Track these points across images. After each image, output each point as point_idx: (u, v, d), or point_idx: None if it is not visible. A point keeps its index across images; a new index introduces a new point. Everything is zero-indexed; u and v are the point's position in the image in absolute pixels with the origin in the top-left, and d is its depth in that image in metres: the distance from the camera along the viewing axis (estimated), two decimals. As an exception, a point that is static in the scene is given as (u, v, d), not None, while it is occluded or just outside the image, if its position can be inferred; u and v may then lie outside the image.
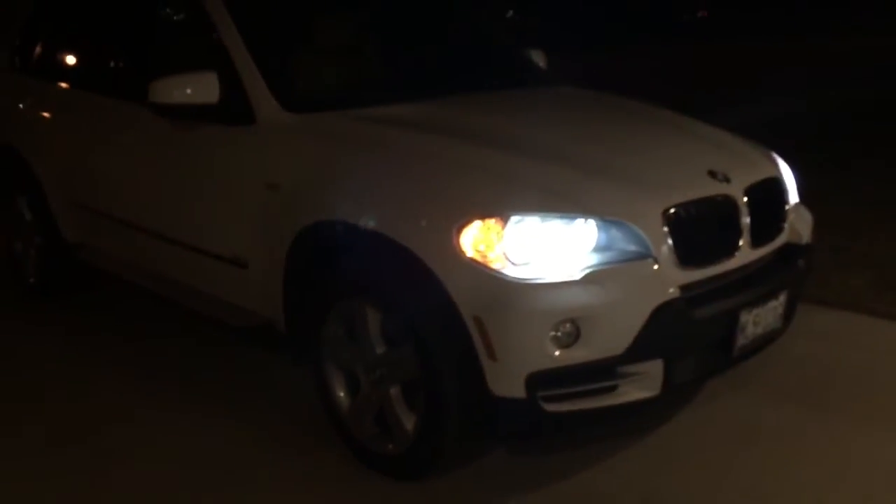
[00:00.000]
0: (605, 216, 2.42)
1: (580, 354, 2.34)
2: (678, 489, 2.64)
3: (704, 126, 3.27)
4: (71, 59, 4.25)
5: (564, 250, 2.37)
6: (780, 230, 2.87)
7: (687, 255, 2.49)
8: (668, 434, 2.94)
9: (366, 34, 3.78)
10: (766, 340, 2.79)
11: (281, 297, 2.92)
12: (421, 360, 2.46)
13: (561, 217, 2.39)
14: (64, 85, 4.16)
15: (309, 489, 2.70)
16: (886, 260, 4.64)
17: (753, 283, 2.68)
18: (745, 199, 2.68)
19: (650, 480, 2.68)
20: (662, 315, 2.39)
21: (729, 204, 2.65)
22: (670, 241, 2.46)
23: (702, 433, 2.94)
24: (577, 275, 2.34)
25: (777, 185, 2.94)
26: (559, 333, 2.30)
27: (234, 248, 3.09)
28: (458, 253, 2.35)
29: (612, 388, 2.42)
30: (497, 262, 2.33)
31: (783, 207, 2.93)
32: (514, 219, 2.35)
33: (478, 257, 2.35)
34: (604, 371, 2.39)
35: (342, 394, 2.81)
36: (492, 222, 2.35)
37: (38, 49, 4.37)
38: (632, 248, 2.44)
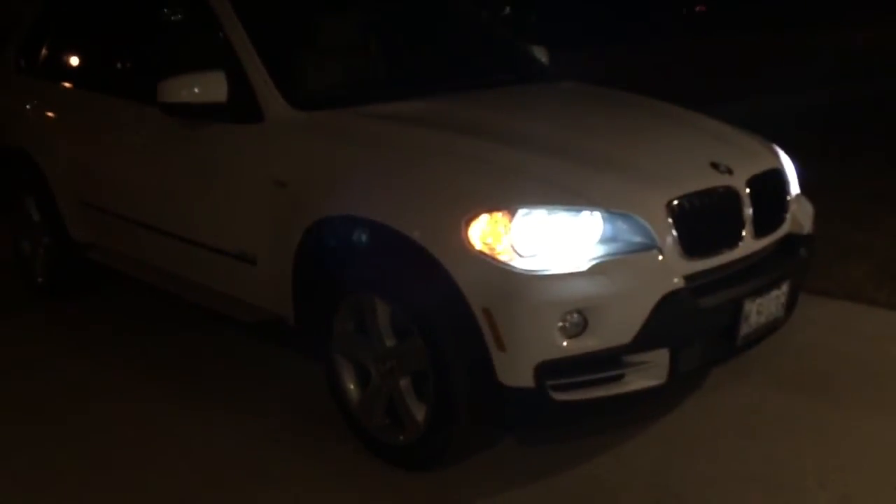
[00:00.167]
0: (610, 208, 2.47)
1: (588, 344, 2.38)
2: (685, 477, 2.68)
3: (706, 119, 3.32)
4: (78, 60, 4.29)
5: (571, 242, 2.42)
6: (782, 221, 2.92)
7: (691, 245, 2.53)
8: (674, 423, 2.98)
9: (371, 32, 3.82)
10: (770, 329, 2.83)
11: (290, 292, 2.96)
12: (431, 352, 2.50)
13: (567, 209, 2.43)
14: (71, 86, 4.20)
15: (320, 481, 2.74)
16: (886, 251, 4.68)
17: (756, 273, 2.73)
18: (748, 190, 2.73)
19: (657, 469, 2.72)
20: (668, 305, 2.43)
21: (732, 195, 2.69)
22: (675, 233, 2.51)
23: (707, 421, 2.99)
24: (583, 266, 2.38)
25: (778, 176, 2.99)
26: (567, 324, 2.35)
27: (243, 244, 3.12)
28: (466, 246, 2.39)
29: (619, 377, 2.46)
30: (505, 255, 2.37)
31: (785, 198, 2.97)
32: (521, 212, 2.40)
33: (486, 250, 2.39)
34: (611, 360, 2.43)
35: (352, 386, 2.85)
36: (499, 215, 2.39)
37: (44, 50, 4.40)
38: (637, 239, 2.48)
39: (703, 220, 2.59)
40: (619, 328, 2.40)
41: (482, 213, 2.40)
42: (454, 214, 2.43)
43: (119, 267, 3.97)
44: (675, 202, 2.54)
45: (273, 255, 3.00)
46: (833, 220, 4.56)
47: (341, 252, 2.77)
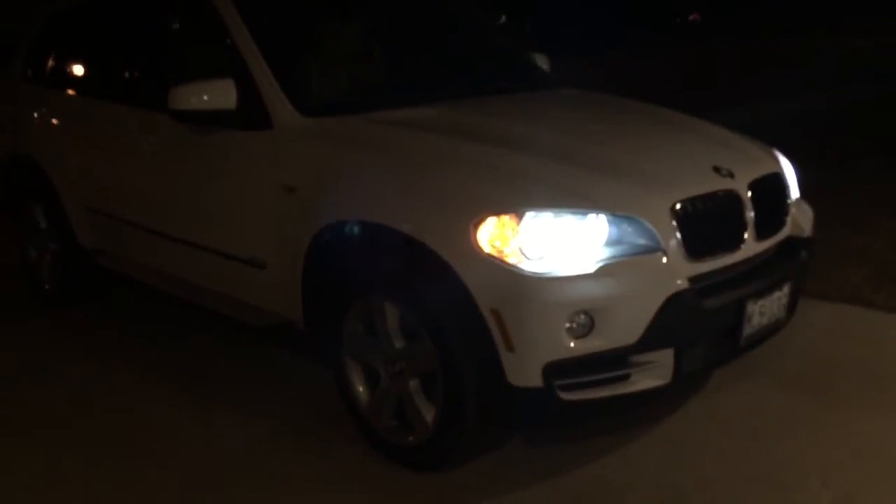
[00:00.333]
0: (615, 211, 2.52)
1: (594, 344, 2.42)
2: (690, 476, 2.72)
3: (707, 124, 3.38)
4: (85, 69, 4.33)
5: (577, 244, 2.47)
6: (782, 224, 2.97)
7: (695, 247, 2.58)
8: (678, 423, 3.02)
9: (378, 40, 3.88)
10: (772, 330, 2.88)
11: (300, 295, 3.01)
12: (440, 353, 2.55)
13: (573, 213, 2.49)
14: (79, 94, 4.25)
15: (329, 482, 2.77)
16: (884, 255, 4.74)
17: (759, 275, 2.78)
18: (749, 193, 2.78)
19: (662, 468, 2.77)
20: (672, 305, 2.48)
21: (734, 198, 2.75)
22: (678, 235, 2.56)
23: (711, 422, 3.03)
24: (590, 268, 2.43)
25: (779, 180, 3.04)
26: (574, 324, 2.39)
27: (253, 249, 3.17)
28: (475, 248, 2.44)
29: (625, 377, 2.51)
30: (513, 257, 2.42)
31: (785, 202, 3.03)
32: (528, 215, 2.44)
33: (494, 252, 2.43)
34: (617, 360, 2.48)
35: (362, 388, 2.90)
36: (507, 218, 2.44)
37: (51, 59, 4.46)
38: (642, 241, 2.53)
39: (706, 223, 2.64)
40: (625, 329, 2.44)
41: (490, 216, 2.45)
42: (463, 218, 2.47)
43: (127, 272, 4.01)
44: (679, 205, 2.59)
45: (282, 259, 3.04)
46: (832, 224, 4.61)
47: (350, 256, 2.81)
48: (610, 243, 2.50)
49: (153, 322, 4.22)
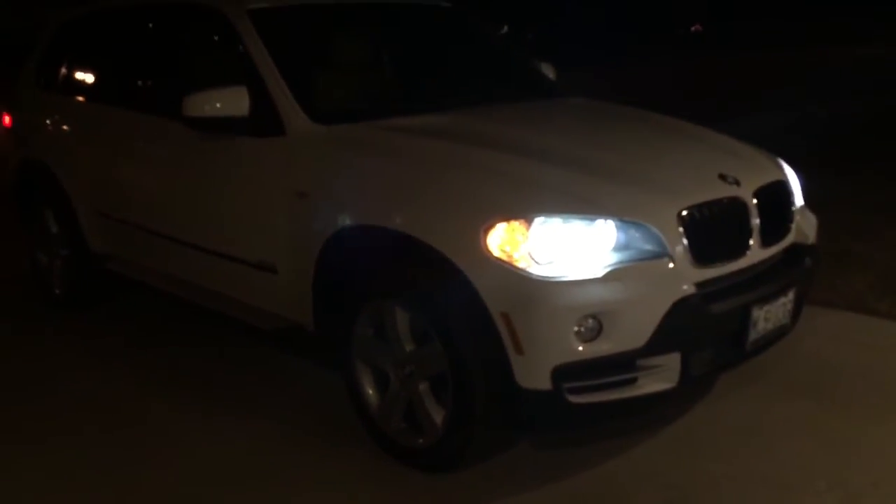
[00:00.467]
0: (623, 217, 2.56)
1: (602, 348, 2.46)
2: (696, 479, 2.75)
3: (713, 133, 3.42)
4: (98, 76, 4.39)
5: (586, 250, 2.51)
6: (787, 231, 3.01)
7: (701, 253, 2.62)
8: (685, 426, 3.06)
9: (387, 49, 3.94)
10: (777, 336, 2.92)
11: (310, 300, 3.05)
12: (450, 356, 2.59)
13: (582, 218, 2.53)
14: (91, 101, 4.31)
15: (338, 483, 2.80)
16: (887, 263, 4.78)
17: (764, 281, 2.82)
18: (755, 201, 2.82)
19: (669, 471, 2.80)
20: (679, 310, 2.52)
21: (739, 206, 2.79)
22: (685, 241, 2.60)
23: (717, 426, 3.07)
24: (598, 273, 2.48)
25: (784, 187, 3.09)
26: (583, 328, 2.44)
27: (264, 254, 3.21)
28: (485, 253, 2.49)
29: (633, 381, 2.54)
30: (522, 262, 2.46)
31: (790, 209, 3.07)
32: (538, 220, 2.49)
33: (504, 257, 2.48)
34: (625, 364, 2.52)
35: (371, 391, 2.93)
36: (517, 224, 2.49)
37: (64, 66, 4.51)
38: (649, 247, 2.57)
39: (712, 230, 2.69)
40: (632, 333, 2.48)
41: (500, 221, 2.49)
42: (473, 223, 2.52)
43: (138, 277, 4.05)
44: (686, 212, 2.63)
45: (293, 263, 3.08)
46: (835, 232, 4.65)
47: (362, 260, 2.85)
48: (618, 249, 2.54)
49: (162, 327, 4.25)
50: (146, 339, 4.10)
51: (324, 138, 3.08)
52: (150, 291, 4.05)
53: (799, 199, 3.20)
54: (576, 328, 2.43)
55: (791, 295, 2.91)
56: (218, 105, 3.10)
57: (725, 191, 2.78)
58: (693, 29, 35.70)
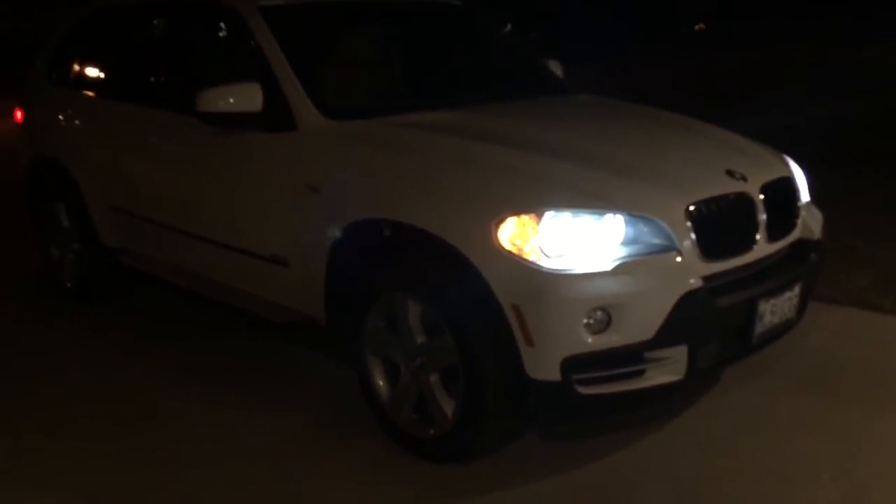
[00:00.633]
0: (632, 212, 2.60)
1: (611, 340, 2.51)
2: (701, 471, 2.79)
3: (720, 130, 3.47)
4: (109, 72, 4.43)
5: (595, 243, 2.55)
6: (793, 226, 3.06)
7: (708, 248, 2.66)
8: (691, 419, 3.10)
9: (398, 46, 3.98)
10: (782, 330, 2.96)
11: (322, 293, 3.09)
12: (461, 348, 2.63)
13: (591, 212, 2.57)
14: (103, 96, 4.35)
15: (350, 474, 2.85)
16: (891, 260, 4.81)
17: (770, 275, 2.86)
18: (761, 196, 2.86)
19: (674, 463, 2.84)
20: (687, 303, 2.56)
21: (746, 201, 2.83)
22: (693, 236, 2.64)
23: (723, 419, 3.11)
24: (607, 266, 2.52)
25: (790, 183, 3.13)
26: (592, 320, 2.48)
27: (277, 248, 3.25)
28: (496, 246, 2.53)
29: (641, 373, 2.59)
30: (533, 255, 2.51)
31: (796, 205, 3.11)
32: (548, 214, 2.53)
33: (515, 250, 2.52)
34: (633, 356, 2.56)
35: (382, 383, 2.97)
36: (527, 218, 2.53)
37: (76, 63, 4.56)
38: (657, 241, 2.62)
39: (719, 224, 2.73)
40: (640, 325, 2.53)
41: (511, 215, 2.54)
42: (484, 217, 2.56)
43: (149, 270, 4.09)
44: (693, 207, 2.67)
45: (306, 257, 3.13)
46: (839, 229, 4.67)
47: (373, 254, 2.90)
48: (626, 242, 2.58)
49: (173, 320, 4.30)
50: (157, 333, 4.15)
51: (335, 134, 3.12)
52: (161, 285, 4.09)
53: (805, 195, 3.24)
54: (585, 320, 2.47)
55: (797, 289, 2.95)
56: (231, 101, 3.14)
57: (733, 186, 2.82)
58: (697, 28, 35.72)
